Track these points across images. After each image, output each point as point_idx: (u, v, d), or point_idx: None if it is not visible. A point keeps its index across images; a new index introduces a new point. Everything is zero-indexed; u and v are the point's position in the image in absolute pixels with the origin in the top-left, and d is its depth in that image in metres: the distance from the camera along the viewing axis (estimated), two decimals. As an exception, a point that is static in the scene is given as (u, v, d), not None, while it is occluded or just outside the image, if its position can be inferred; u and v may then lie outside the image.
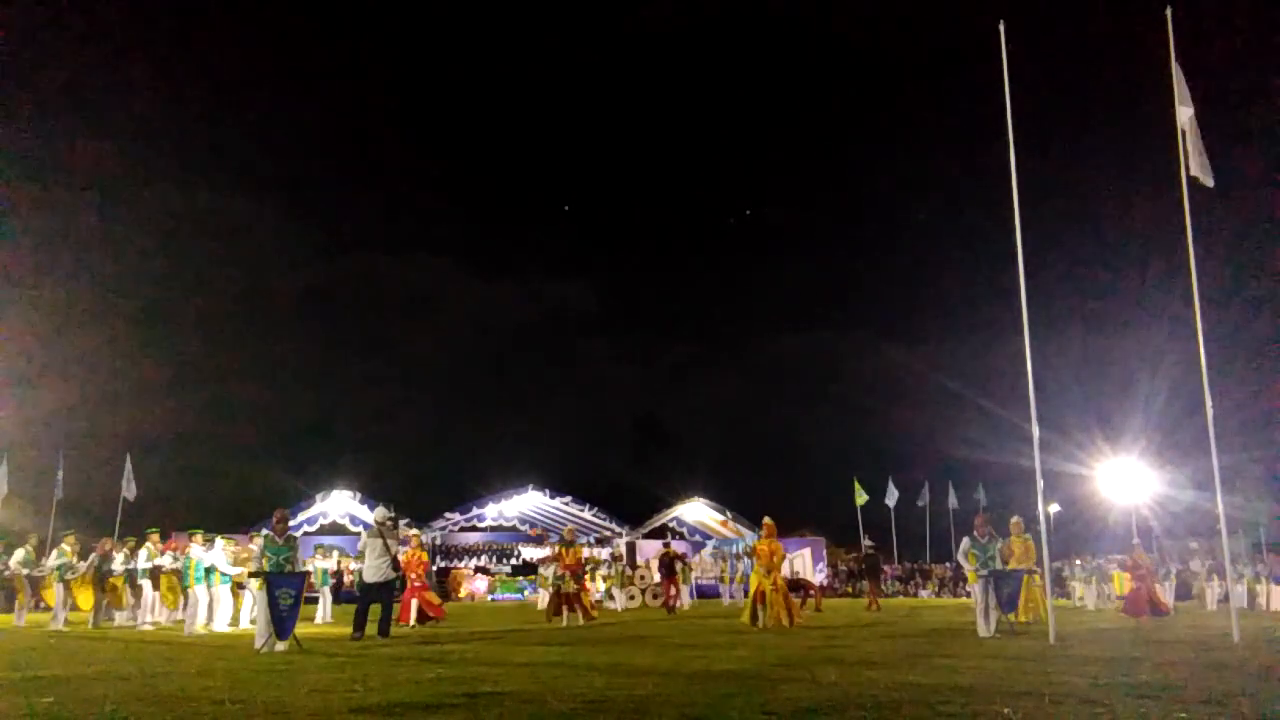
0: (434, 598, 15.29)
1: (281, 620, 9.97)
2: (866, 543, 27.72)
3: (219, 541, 13.81)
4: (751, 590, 13.93)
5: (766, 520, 14.43)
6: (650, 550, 32.56)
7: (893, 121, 75.12)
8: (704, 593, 30.40)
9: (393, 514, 12.44)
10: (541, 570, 24.35)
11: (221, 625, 13.44)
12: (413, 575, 14.75)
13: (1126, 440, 30.80)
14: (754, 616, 13.56)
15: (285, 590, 10.13)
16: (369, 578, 11.83)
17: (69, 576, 14.83)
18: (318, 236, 78.12)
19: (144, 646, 10.66)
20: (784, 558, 14.65)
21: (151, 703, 5.62)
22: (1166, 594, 23.64)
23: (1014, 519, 13.77)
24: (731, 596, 27.35)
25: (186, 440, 48.16)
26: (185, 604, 13.83)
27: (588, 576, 24.23)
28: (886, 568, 37.78)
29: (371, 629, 11.52)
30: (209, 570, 13.29)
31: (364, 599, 11.88)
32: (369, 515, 32.57)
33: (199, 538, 13.83)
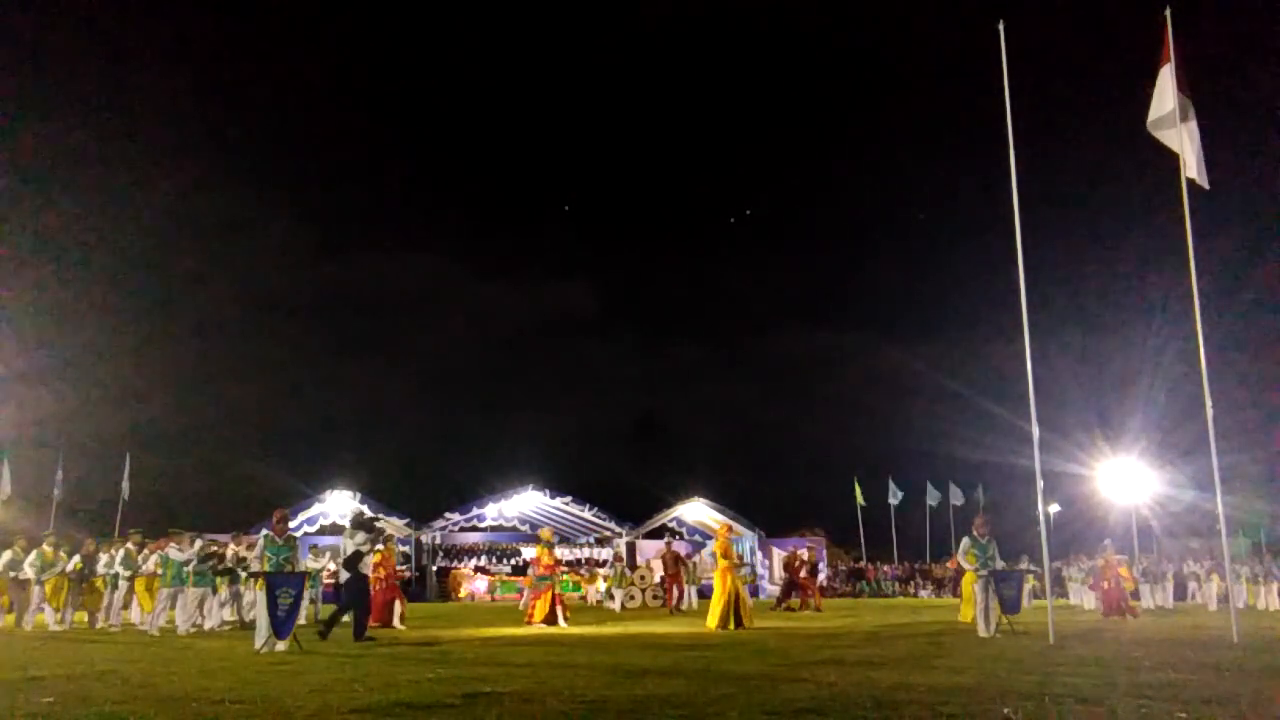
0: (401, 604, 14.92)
1: (281, 620, 9.97)
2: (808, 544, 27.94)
3: (197, 542, 13.73)
4: (730, 593, 13.72)
5: (725, 521, 14.74)
6: (651, 550, 32.56)
7: (893, 121, 75.15)
8: (704, 593, 30.38)
9: (363, 510, 12.16)
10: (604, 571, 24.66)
11: (184, 626, 13.27)
12: (382, 575, 14.51)
13: (1126, 440, 30.81)
14: (728, 619, 13.47)
15: (285, 590, 10.11)
16: (340, 578, 11.86)
17: (45, 577, 14.81)
18: (318, 236, 78.15)
19: (144, 647, 10.66)
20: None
21: (151, 703, 5.63)
22: (1165, 594, 23.72)
23: (976, 519, 13.68)
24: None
25: (186, 440, 48.21)
26: (161, 606, 13.75)
27: (568, 578, 24.10)
28: (887, 568, 37.84)
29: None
30: (181, 572, 13.23)
31: (343, 601, 11.85)
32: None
33: (184, 539, 13.82)
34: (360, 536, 11.51)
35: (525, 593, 19.74)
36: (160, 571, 13.89)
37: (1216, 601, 23.73)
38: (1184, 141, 11.38)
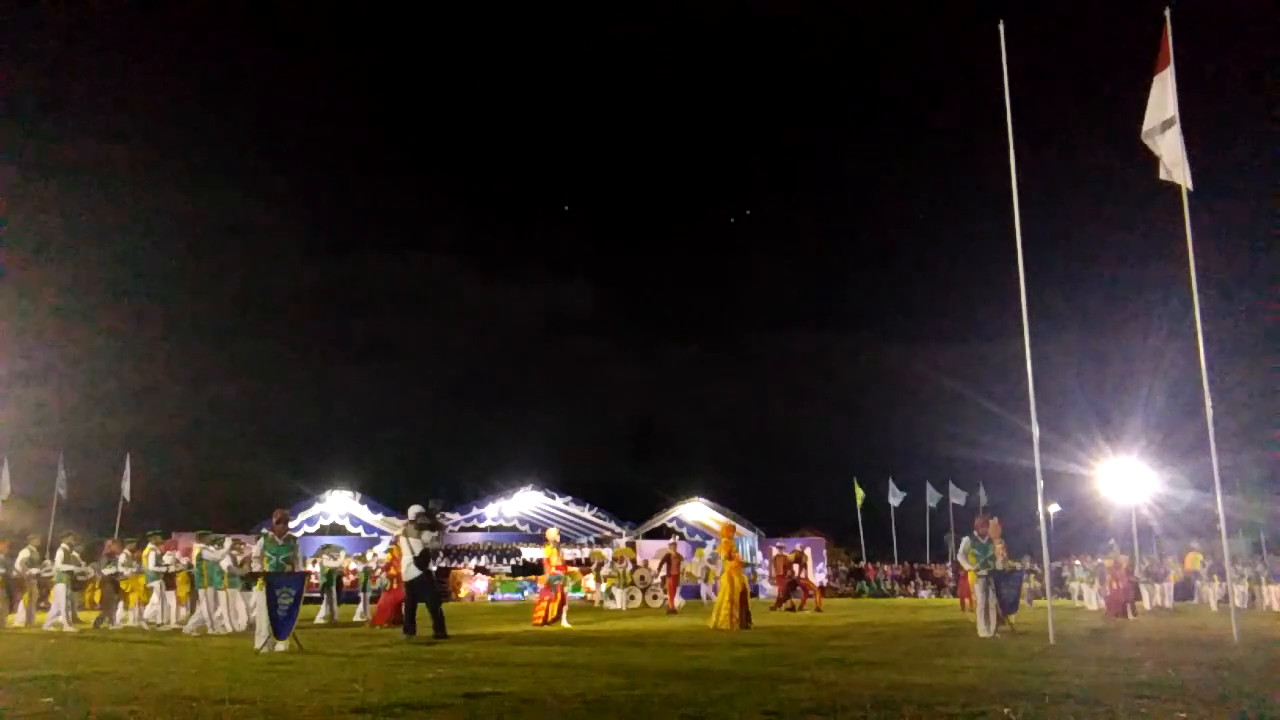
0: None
1: (281, 620, 9.97)
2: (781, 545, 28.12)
3: (227, 541, 13.81)
4: (732, 593, 13.77)
5: (727, 522, 14.77)
6: (650, 550, 32.55)
7: (893, 121, 75.11)
8: (687, 592, 30.36)
9: (424, 508, 12.23)
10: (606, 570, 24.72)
11: (238, 625, 13.29)
12: (394, 574, 14.64)
13: (1126, 440, 30.76)
14: (744, 618, 13.54)
15: (285, 590, 10.12)
16: (404, 577, 11.95)
17: (81, 579, 14.83)
18: (318, 236, 78.11)
19: (144, 646, 10.67)
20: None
21: (151, 703, 5.63)
22: (1165, 594, 23.70)
23: (992, 520, 13.72)
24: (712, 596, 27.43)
25: (186, 440, 48.21)
26: (192, 605, 13.86)
27: (582, 576, 24.14)
28: (886, 568, 37.83)
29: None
30: (218, 571, 13.28)
31: (406, 599, 11.98)
32: (369, 515, 32.56)
33: (208, 538, 13.89)
34: (428, 535, 11.81)
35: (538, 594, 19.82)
36: (192, 570, 13.97)
37: (1217, 601, 23.73)
38: (1178, 146, 11.35)
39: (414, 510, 12.14)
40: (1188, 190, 11.37)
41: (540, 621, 14.39)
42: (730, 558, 14.12)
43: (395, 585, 14.72)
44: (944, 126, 73.83)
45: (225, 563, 13.16)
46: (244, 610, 13.36)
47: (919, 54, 69.68)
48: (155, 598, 15.05)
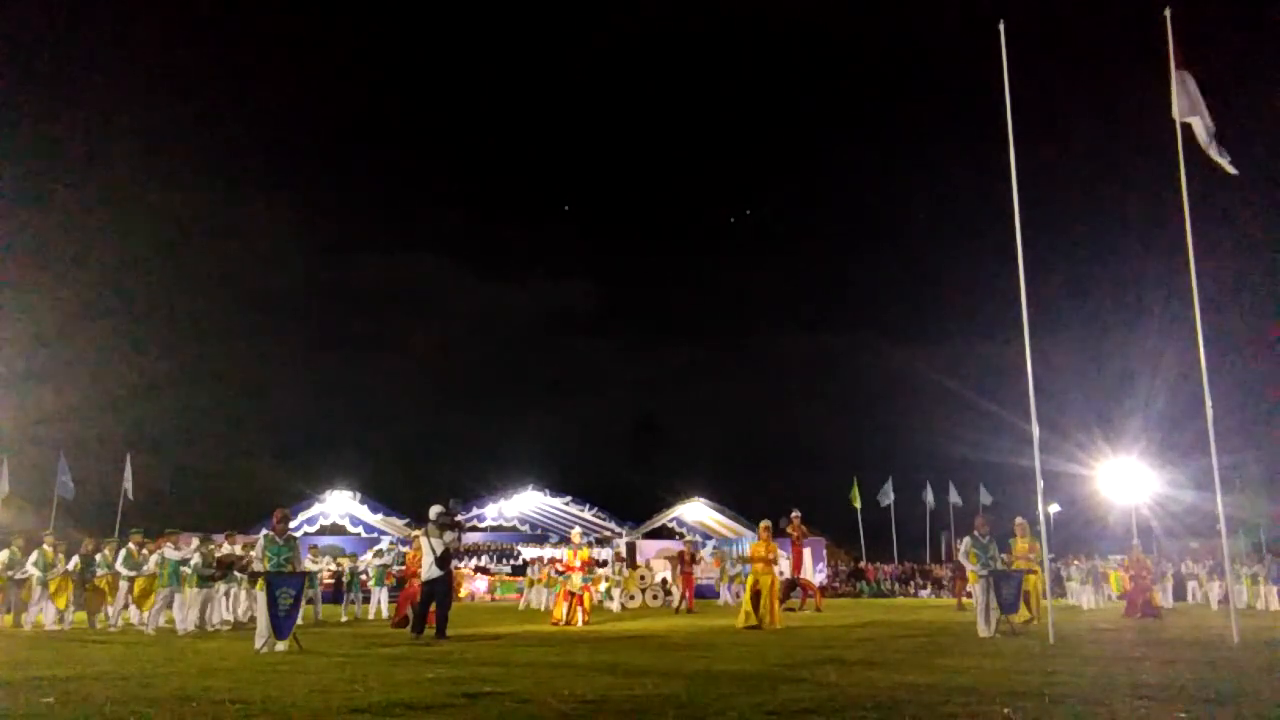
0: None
1: (281, 620, 9.97)
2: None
3: (194, 540, 13.76)
4: (750, 591, 13.88)
5: (765, 523, 14.78)
6: (651, 550, 32.54)
7: (893, 121, 75.21)
8: (701, 593, 30.37)
9: (444, 509, 12.26)
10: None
11: (186, 625, 13.23)
12: (416, 574, 14.81)
13: (1126, 440, 30.79)
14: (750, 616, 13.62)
15: (285, 590, 10.12)
16: (424, 576, 11.99)
17: (48, 577, 14.79)
18: (318, 236, 78.08)
19: (144, 647, 10.66)
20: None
21: (151, 703, 5.63)
22: (1164, 594, 23.68)
23: (1019, 519, 13.81)
24: (736, 596, 27.38)
25: (186, 440, 48.21)
26: (157, 606, 13.78)
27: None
28: (886, 568, 37.82)
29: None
30: (180, 570, 13.23)
31: (423, 598, 11.99)
32: (369, 515, 32.60)
33: (177, 538, 13.86)
34: (449, 535, 11.93)
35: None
36: (159, 571, 13.91)
37: (1216, 601, 23.72)
38: (1199, 134, 11.31)
39: (435, 510, 12.14)
40: (1187, 188, 11.36)
41: (554, 622, 14.51)
42: (752, 558, 14.19)
43: (409, 584, 14.85)
44: (944, 126, 73.89)
45: (195, 560, 13.11)
46: (184, 607, 13.27)
47: (919, 54, 69.72)
48: (120, 597, 14.98)
